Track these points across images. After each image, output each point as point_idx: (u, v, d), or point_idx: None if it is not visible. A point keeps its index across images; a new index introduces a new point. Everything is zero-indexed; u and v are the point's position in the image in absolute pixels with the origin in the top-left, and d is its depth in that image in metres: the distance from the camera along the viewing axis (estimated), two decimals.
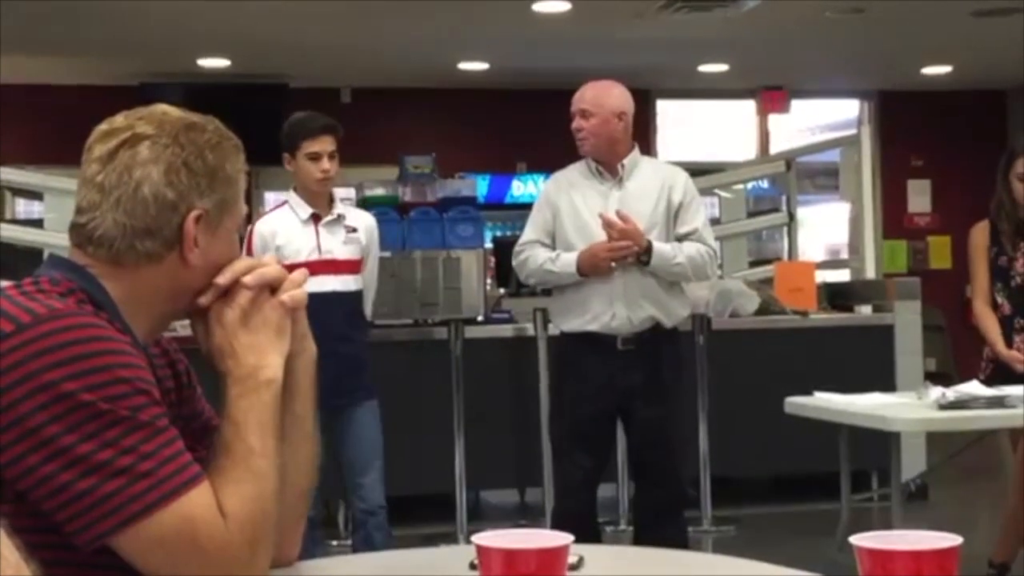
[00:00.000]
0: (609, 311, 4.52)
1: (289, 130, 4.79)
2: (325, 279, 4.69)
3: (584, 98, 4.61)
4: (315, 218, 4.78)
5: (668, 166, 4.86)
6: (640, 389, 4.54)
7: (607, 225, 4.46)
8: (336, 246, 4.79)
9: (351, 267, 4.82)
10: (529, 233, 4.67)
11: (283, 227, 4.76)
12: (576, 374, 4.59)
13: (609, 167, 4.62)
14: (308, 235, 4.76)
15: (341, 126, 4.84)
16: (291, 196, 4.83)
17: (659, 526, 4.59)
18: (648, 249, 4.49)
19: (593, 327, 4.53)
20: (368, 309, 5.03)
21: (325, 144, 4.73)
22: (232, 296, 1.64)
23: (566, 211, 4.60)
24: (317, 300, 5.20)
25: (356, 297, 4.87)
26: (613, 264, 4.49)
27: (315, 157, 4.72)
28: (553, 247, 4.62)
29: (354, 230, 4.85)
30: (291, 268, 5.13)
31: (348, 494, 4.88)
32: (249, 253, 4.66)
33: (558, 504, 4.77)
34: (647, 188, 4.61)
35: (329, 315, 4.66)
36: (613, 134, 4.58)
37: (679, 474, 4.74)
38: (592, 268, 4.50)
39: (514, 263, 4.73)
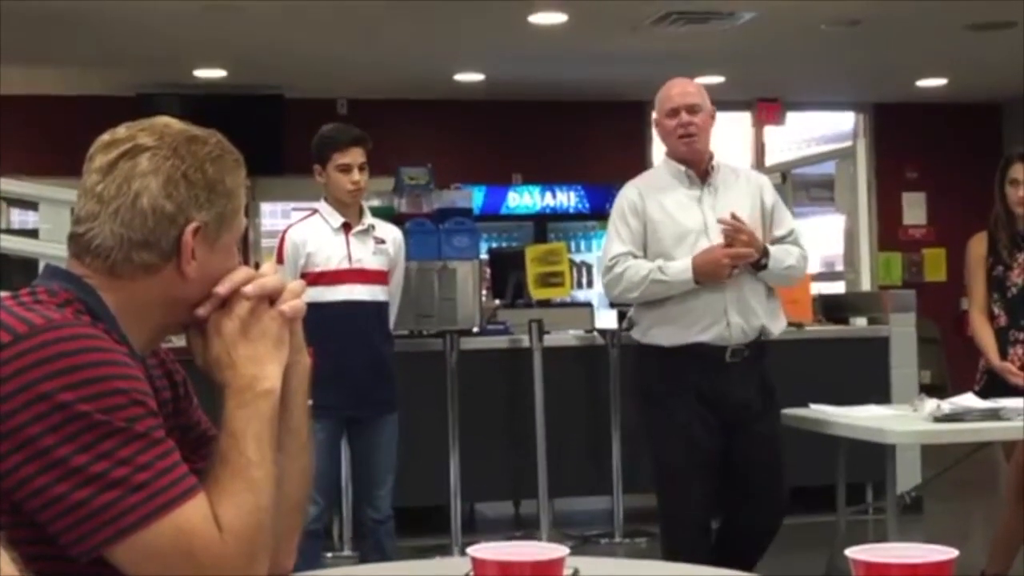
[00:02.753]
0: (723, 320, 4.24)
1: (319, 142, 4.85)
2: (354, 288, 4.75)
3: (692, 92, 4.36)
4: (346, 227, 4.82)
5: (746, 168, 4.55)
6: (752, 402, 4.31)
7: (734, 231, 4.21)
8: (366, 256, 4.82)
9: (379, 277, 4.85)
10: (618, 246, 4.32)
11: (314, 235, 4.80)
12: (685, 391, 4.26)
13: (698, 171, 4.37)
14: (339, 244, 4.79)
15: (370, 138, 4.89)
16: (322, 205, 4.87)
17: (751, 552, 4.35)
18: (765, 252, 4.28)
19: (705, 338, 4.23)
20: (392, 322, 5.04)
21: (355, 156, 4.79)
22: (231, 307, 1.64)
23: (660, 219, 4.31)
24: (347, 308, 5.25)
25: (383, 308, 4.89)
26: (736, 270, 4.24)
27: (345, 169, 4.77)
28: (645, 258, 4.31)
29: (382, 242, 4.89)
30: (321, 276, 5.15)
31: (361, 503, 4.91)
32: (280, 259, 4.71)
33: (675, 542, 4.32)
34: (737, 192, 4.38)
35: (358, 323, 4.71)
36: (710, 133, 4.40)
37: (785, 496, 4.49)
38: (711, 275, 4.21)
39: (606, 279, 4.37)
